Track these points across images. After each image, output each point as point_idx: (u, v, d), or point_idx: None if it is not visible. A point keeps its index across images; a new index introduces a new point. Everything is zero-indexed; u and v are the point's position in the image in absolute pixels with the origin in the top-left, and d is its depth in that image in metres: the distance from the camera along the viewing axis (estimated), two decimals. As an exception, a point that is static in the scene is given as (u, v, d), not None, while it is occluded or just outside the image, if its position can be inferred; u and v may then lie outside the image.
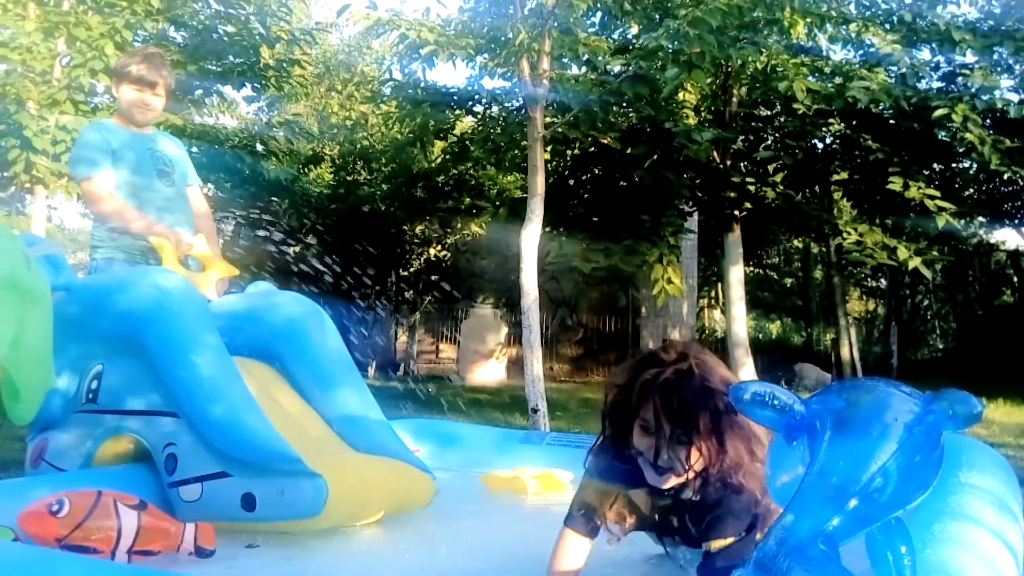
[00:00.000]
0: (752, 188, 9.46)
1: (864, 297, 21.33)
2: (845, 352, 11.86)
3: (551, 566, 2.18)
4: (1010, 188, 12.88)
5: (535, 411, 5.71)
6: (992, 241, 16.61)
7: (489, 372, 11.91)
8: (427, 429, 4.50)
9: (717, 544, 1.99)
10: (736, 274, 10.12)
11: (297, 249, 11.29)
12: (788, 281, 22.12)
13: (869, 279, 19.41)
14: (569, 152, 9.83)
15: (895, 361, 14.84)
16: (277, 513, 2.92)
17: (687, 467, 1.93)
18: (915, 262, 8.69)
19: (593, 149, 9.15)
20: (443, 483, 3.49)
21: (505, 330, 12.55)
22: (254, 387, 3.25)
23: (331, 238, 11.28)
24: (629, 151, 8.75)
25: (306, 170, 13.17)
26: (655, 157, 8.49)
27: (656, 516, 2.12)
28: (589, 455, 2.19)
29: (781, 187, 9.77)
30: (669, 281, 8.29)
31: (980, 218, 12.65)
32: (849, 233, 9.01)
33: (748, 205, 9.76)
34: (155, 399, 3.17)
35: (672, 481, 1.97)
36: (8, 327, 2.76)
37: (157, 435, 3.13)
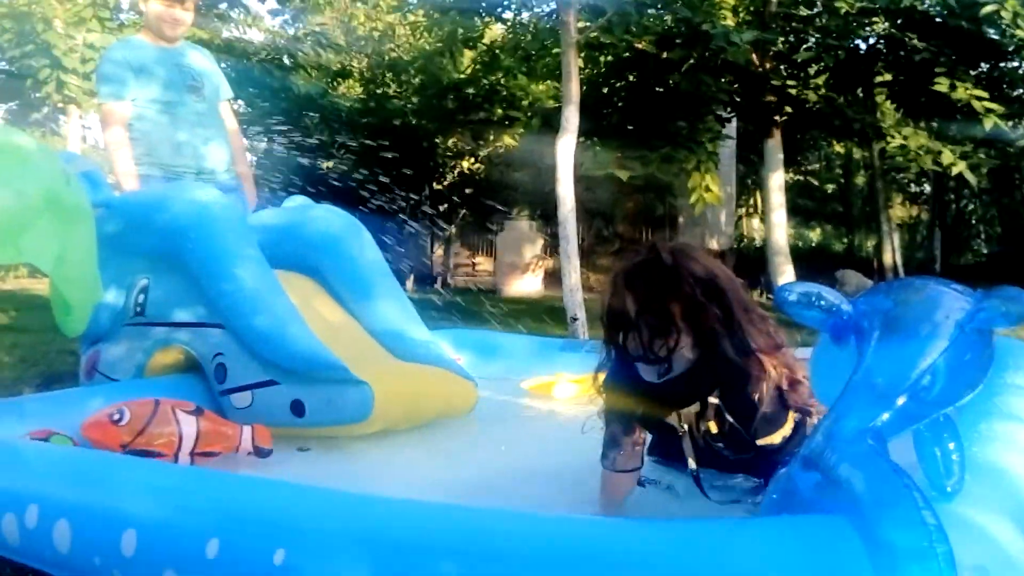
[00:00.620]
0: (793, 91, 9.13)
1: (907, 203, 20.86)
2: (888, 258, 11.63)
3: (600, 504, 2.17)
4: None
5: (574, 320, 5.72)
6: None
7: (526, 284, 11.91)
8: (468, 339, 4.54)
9: (774, 438, 1.99)
10: (776, 180, 9.92)
11: (330, 164, 11.27)
12: (829, 187, 21.68)
13: (912, 184, 18.95)
14: (603, 58, 9.56)
15: (938, 266, 14.60)
16: (326, 419, 3.00)
17: (666, 356, 1.88)
18: (960, 167, 8.42)
19: (628, 54, 8.84)
20: (484, 390, 3.54)
21: (541, 242, 12.49)
22: (296, 299, 3.30)
23: (363, 152, 11.22)
24: (665, 55, 8.44)
25: (335, 84, 13.05)
26: (692, 61, 8.17)
27: (685, 426, 2.05)
28: (603, 384, 2.12)
29: (823, 90, 9.43)
30: (707, 189, 8.14)
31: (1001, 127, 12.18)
32: (893, 137, 8.70)
33: (788, 109, 9.46)
34: (201, 311, 3.24)
35: (655, 375, 1.93)
36: (53, 244, 2.82)
37: (206, 346, 3.20)
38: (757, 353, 1.92)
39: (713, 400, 1.99)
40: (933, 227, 15.50)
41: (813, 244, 20.61)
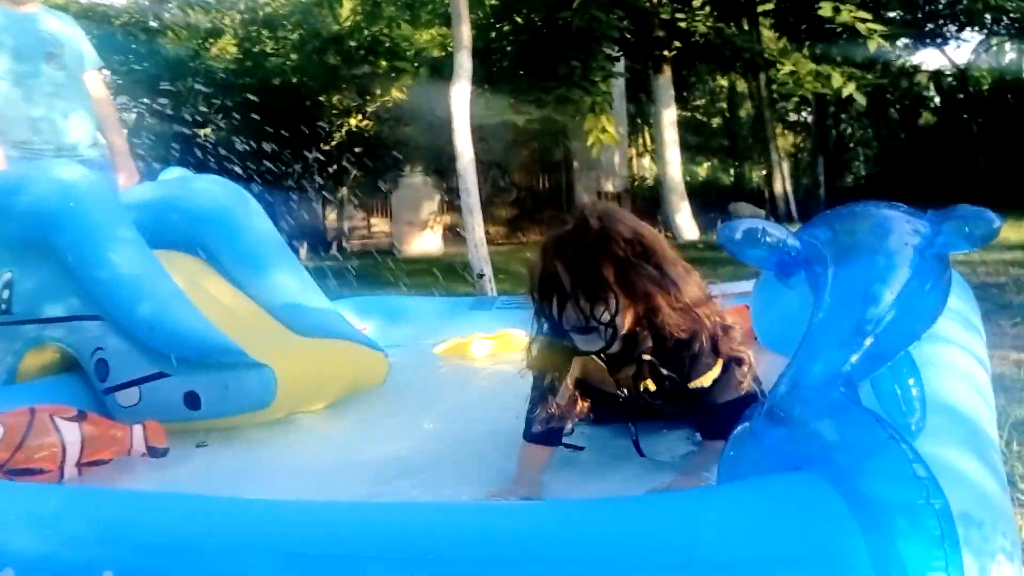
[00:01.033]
0: (683, 24, 9.09)
1: (787, 132, 21.42)
2: (778, 187, 11.88)
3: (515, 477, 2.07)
4: (930, 7, 12.77)
5: (480, 276, 5.55)
6: (914, 63, 16.70)
7: (426, 242, 11.66)
8: (372, 306, 4.33)
9: (704, 380, 1.97)
10: (668, 117, 9.93)
11: (208, 132, 10.67)
12: (715, 122, 22.04)
13: (791, 113, 19.42)
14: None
15: (822, 191, 15.02)
16: (224, 408, 2.77)
17: (609, 321, 1.86)
18: (849, 88, 8.59)
19: None
20: (395, 359, 3.36)
21: (438, 198, 12.23)
22: (181, 280, 3.03)
23: (243, 117, 10.66)
24: None
25: (207, 44, 12.30)
26: None
27: (626, 390, 2.06)
28: (527, 353, 2.10)
29: (710, 21, 9.42)
30: (603, 130, 8.03)
31: (904, 40, 12.56)
32: (782, 64, 8.79)
33: (677, 44, 9.43)
34: (75, 303, 2.94)
35: (599, 344, 1.91)
36: None
37: (83, 341, 2.91)
38: (692, 306, 1.91)
39: (647, 357, 1.99)
40: (816, 153, 15.91)
41: (702, 179, 20.97)
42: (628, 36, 8.51)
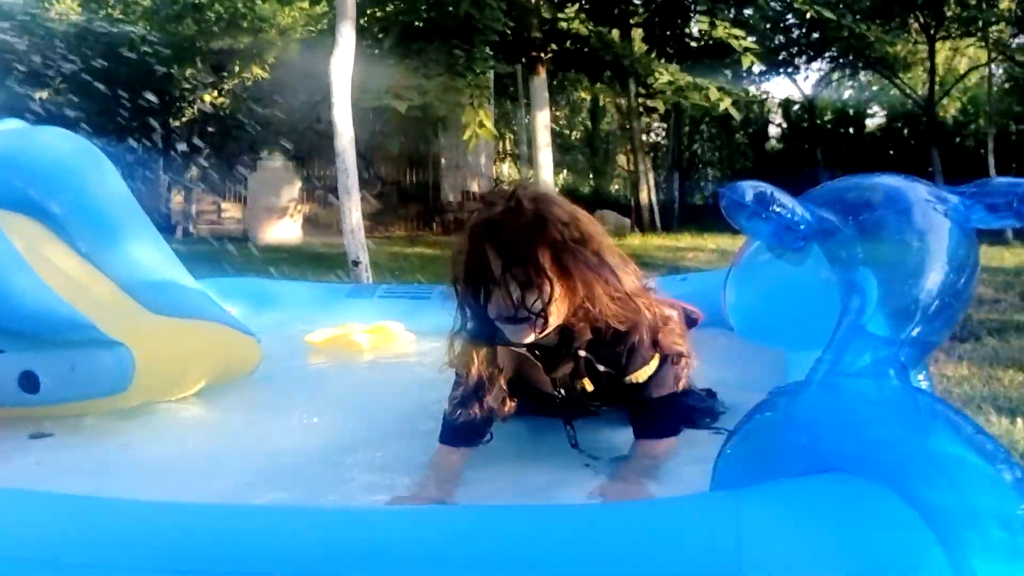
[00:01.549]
0: (565, 25, 9.04)
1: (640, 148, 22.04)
2: (644, 197, 12.08)
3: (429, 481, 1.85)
4: (786, 36, 13.40)
5: (356, 264, 5.19)
6: (764, 90, 17.57)
7: (283, 231, 11.02)
8: (238, 288, 3.92)
9: (640, 375, 1.83)
10: (542, 119, 9.86)
11: (46, 95, 9.68)
12: (575, 134, 22.37)
13: (645, 132, 19.98)
14: None
15: (676, 206, 15.46)
16: (69, 393, 2.37)
17: (541, 311, 1.68)
18: (726, 102, 8.77)
19: None
20: (265, 347, 3.01)
21: (299, 184, 11.62)
22: (17, 245, 2.56)
23: (84, 84, 9.76)
24: None
25: (46, 2, 11.18)
26: None
27: (563, 390, 1.91)
28: (449, 349, 1.87)
29: (591, 25, 9.42)
30: (481, 124, 7.83)
31: (758, 66, 13.10)
32: (661, 74, 8.88)
33: (554, 46, 9.37)
34: None
35: (531, 334, 1.72)
36: None
37: None
38: (631, 296, 1.78)
39: (583, 353, 1.83)
40: (673, 169, 16.39)
41: (560, 188, 21.23)
42: (507, 32, 8.37)
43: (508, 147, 18.71)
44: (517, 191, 1.76)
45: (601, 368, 1.83)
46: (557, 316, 1.72)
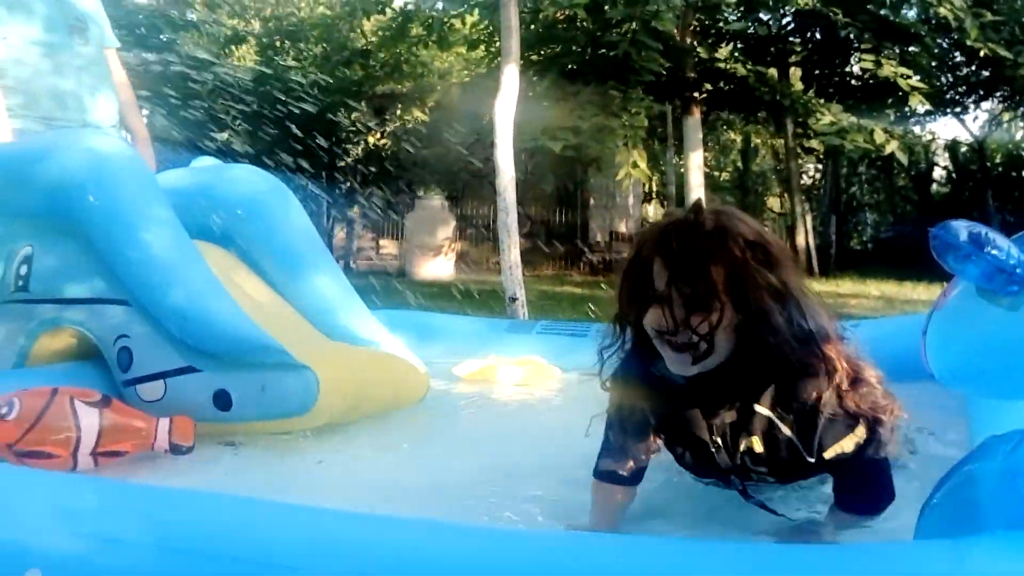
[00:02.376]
0: (723, 65, 8.96)
1: (784, 194, 21.39)
2: (800, 240, 11.72)
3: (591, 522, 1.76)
4: (964, 71, 12.75)
5: (513, 300, 5.29)
6: (930, 131, 16.77)
7: (437, 267, 11.37)
8: (401, 320, 4.06)
9: (846, 445, 1.53)
10: (695, 160, 9.78)
11: (225, 136, 10.47)
12: (723, 175, 22.04)
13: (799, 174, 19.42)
14: (534, 24, 9.02)
15: (833, 250, 14.90)
16: (258, 412, 2.52)
17: (707, 333, 1.47)
18: (892, 146, 8.36)
19: (563, 15, 8.31)
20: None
21: (453, 223, 12.00)
22: (215, 273, 2.77)
23: (257, 126, 10.48)
24: (607, 12, 7.90)
25: (227, 50, 12.14)
26: (632, 25, 7.72)
27: (719, 440, 1.62)
28: (612, 377, 1.68)
29: (750, 63, 9.29)
30: (635, 164, 7.85)
31: (924, 105, 12.54)
32: (823, 114, 8.59)
33: (708, 86, 9.30)
34: (100, 285, 2.69)
35: (692, 364, 1.51)
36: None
37: (105, 326, 2.66)
38: (820, 342, 1.49)
39: (763, 411, 1.55)
40: (829, 213, 15.85)
41: (709, 230, 20.91)
42: (663, 72, 8.37)
43: (655, 188, 18.62)
44: (699, 205, 1.56)
45: (786, 433, 1.54)
46: (725, 345, 1.50)
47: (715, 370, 1.52)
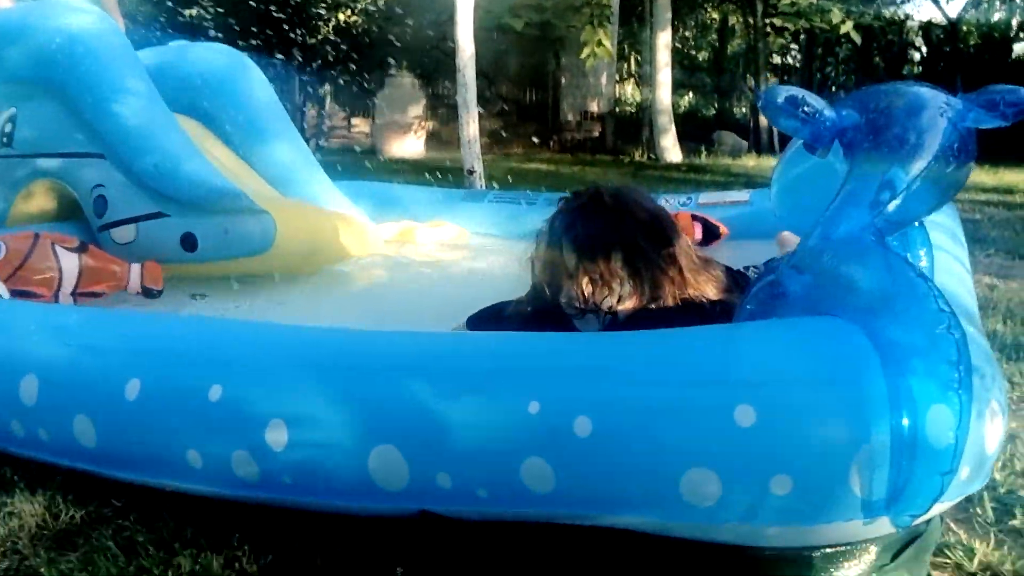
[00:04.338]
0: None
1: (769, 75, 21.28)
2: (764, 119, 11.88)
3: None
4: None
5: (471, 173, 5.56)
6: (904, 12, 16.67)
7: (408, 146, 11.47)
8: (364, 190, 4.34)
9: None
10: (663, 39, 9.82)
11: (194, 12, 10.36)
12: (701, 56, 21.84)
13: (775, 56, 19.28)
14: None
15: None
16: (221, 252, 2.83)
17: (611, 308, 1.71)
18: (847, 26, 8.48)
19: None
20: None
21: (424, 102, 12.02)
22: (185, 139, 3.04)
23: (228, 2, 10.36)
24: None
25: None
26: None
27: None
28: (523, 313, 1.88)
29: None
30: (599, 43, 7.93)
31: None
32: (783, -5, 8.62)
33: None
34: (79, 139, 2.96)
35: (595, 327, 1.74)
36: None
37: (83, 178, 2.94)
38: (702, 300, 1.75)
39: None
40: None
41: (684, 109, 20.89)
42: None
43: (630, 67, 18.47)
44: (599, 187, 1.79)
45: None
46: (625, 313, 1.71)
47: (622, 326, 1.72)
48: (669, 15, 9.79)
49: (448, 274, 3.36)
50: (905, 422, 1.12)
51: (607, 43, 8.24)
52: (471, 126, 5.56)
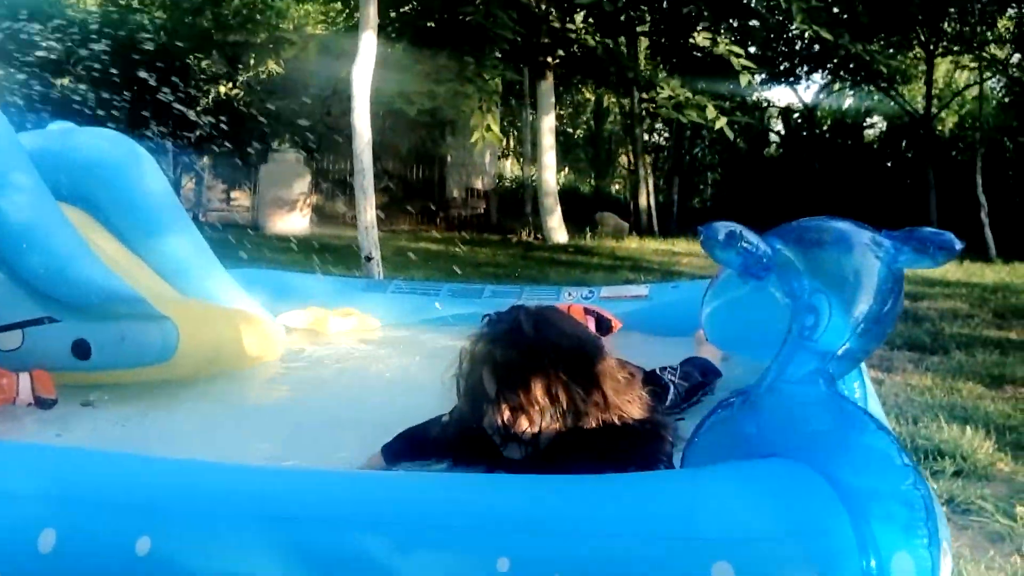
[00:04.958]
0: (573, 35, 9.29)
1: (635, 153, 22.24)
2: (643, 200, 12.38)
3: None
4: (787, 47, 13.68)
5: (369, 259, 5.48)
6: (766, 98, 17.83)
7: (291, 223, 11.24)
8: (260, 278, 4.20)
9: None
10: (547, 123, 10.14)
11: (66, 81, 9.95)
12: (578, 133, 22.60)
13: (645, 134, 20.19)
14: None
15: (675, 208, 15.73)
16: (117, 360, 2.66)
17: (532, 437, 1.71)
18: (721, 122, 9.02)
19: None
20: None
21: (308, 177, 11.87)
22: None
23: (102, 71, 10.01)
24: None
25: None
26: None
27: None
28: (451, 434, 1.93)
29: (598, 35, 9.69)
30: (488, 128, 8.12)
31: (759, 76, 13.36)
32: (662, 88, 9.14)
33: (561, 52, 9.63)
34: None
35: (516, 454, 1.75)
36: None
37: (-44, 278, 2.69)
38: (627, 420, 1.75)
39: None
40: (672, 174, 16.67)
41: (561, 186, 21.51)
42: (518, 39, 8.65)
43: (512, 145, 18.95)
44: (520, 314, 1.76)
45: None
46: (547, 439, 1.71)
47: (544, 451, 1.74)
48: (552, 100, 10.14)
49: (367, 374, 3.26)
50: (872, 564, 1.15)
51: (495, 128, 8.44)
52: (369, 212, 5.52)
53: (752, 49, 11.93)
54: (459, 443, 1.89)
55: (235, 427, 2.49)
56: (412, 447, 2.04)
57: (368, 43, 5.48)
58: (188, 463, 1.50)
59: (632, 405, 1.75)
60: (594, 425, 1.71)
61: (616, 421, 1.72)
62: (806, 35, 11.18)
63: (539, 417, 1.68)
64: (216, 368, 2.94)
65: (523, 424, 1.69)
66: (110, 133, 3.58)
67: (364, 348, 3.62)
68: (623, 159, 21.00)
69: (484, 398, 1.72)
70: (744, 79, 8.79)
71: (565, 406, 1.69)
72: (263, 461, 2.05)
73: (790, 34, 13.00)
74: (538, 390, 1.68)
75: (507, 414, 1.69)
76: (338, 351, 3.54)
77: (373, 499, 1.35)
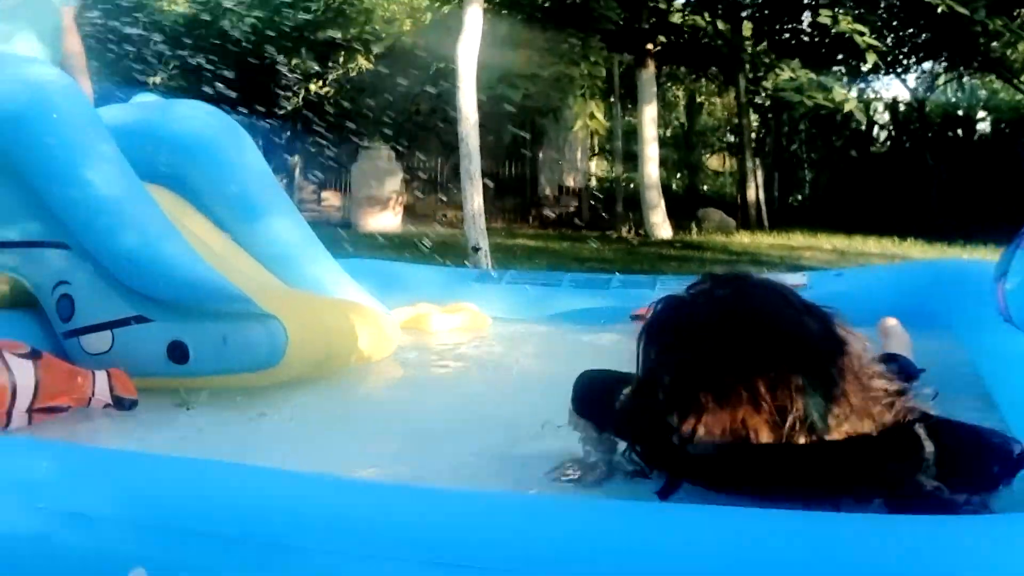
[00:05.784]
0: (677, 19, 8.76)
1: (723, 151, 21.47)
2: (751, 195, 11.69)
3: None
4: (902, 34, 12.82)
5: (476, 249, 5.09)
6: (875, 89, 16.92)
7: (383, 221, 10.99)
8: (365, 268, 3.84)
9: None
10: (649, 113, 9.62)
11: (158, 80, 9.93)
12: (667, 131, 22.03)
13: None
14: None
15: (776, 206, 15.03)
16: (219, 365, 2.32)
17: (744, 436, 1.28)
18: (851, 104, 8.33)
19: None
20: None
21: (400, 175, 11.63)
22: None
23: (194, 72, 9.98)
24: None
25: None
26: None
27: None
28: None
29: (706, 15, 9.13)
30: (592, 115, 7.67)
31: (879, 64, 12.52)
32: (782, 70, 8.45)
33: (662, 38, 9.11)
34: (36, 227, 2.44)
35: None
36: None
37: (43, 272, 2.43)
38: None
39: None
40: (773, 169, 15.93)
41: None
42: (620, 22, 8.13)
43: (599, 143, 18.50)
44: (739, 295, 1.37)
45: None
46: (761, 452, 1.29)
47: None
48: (654, 89, 9.61)
49: (487, 372, 2.86)
50: None
51: (599, 115, 7.98)
52: (475, 199, 5.14)
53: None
54: (636, 427, 1.53)
55: (352, 433, 2.11)
56: (596, 409, 1.66)
57: (474, 17, 5.09)
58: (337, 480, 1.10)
59: (874, 404, 1.32)
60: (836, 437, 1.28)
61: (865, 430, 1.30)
62: (925, 18, 10.35)
63: (706, 430, 1.28)
64: (324, 368, 2.57)
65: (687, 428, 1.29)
66: (202, 105, 3.25)
67: (483, 345, 3.22)
68: (713, 160, 20.33)
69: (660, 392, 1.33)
70: (871, 58, 8.07)
71: (778, 410, 1.26)
72: (395, 475, 1.69)
73: (902, 19, 12.12)
74: (745, 391, 1.26)
75: (674, 419, 1.30)
76: (454, 348, 3.15)
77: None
